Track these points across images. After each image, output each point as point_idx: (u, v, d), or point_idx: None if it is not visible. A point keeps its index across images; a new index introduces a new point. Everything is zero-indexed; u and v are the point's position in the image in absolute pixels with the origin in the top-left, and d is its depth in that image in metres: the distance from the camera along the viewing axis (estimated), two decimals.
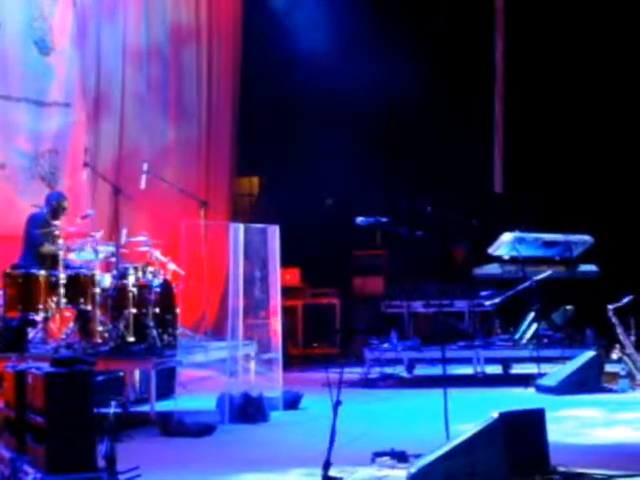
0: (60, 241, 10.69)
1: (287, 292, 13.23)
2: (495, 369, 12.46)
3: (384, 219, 11.98)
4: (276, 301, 10.71)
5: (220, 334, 11.27)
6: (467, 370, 12.27)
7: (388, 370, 12.53)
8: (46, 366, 7.08)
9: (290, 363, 12.52)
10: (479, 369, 12.10)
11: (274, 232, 10.52)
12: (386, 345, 12.43)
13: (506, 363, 12.47)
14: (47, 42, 13.51)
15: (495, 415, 6.65)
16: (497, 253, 12.81)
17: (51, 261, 10.78)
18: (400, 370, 12.51)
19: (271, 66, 15.91)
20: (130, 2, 14.79)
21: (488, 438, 6.60)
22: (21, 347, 10.14)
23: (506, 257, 12.79)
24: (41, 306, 10.37)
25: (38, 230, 10.95)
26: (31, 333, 10.48)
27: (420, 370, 12.61)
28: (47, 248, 10.89)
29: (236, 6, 16.52)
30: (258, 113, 16.12)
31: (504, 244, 12.68)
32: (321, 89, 15.66)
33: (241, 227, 10.18)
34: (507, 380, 12.09)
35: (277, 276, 10.65)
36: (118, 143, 14.56)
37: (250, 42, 16.20)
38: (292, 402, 10.41)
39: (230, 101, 16.51)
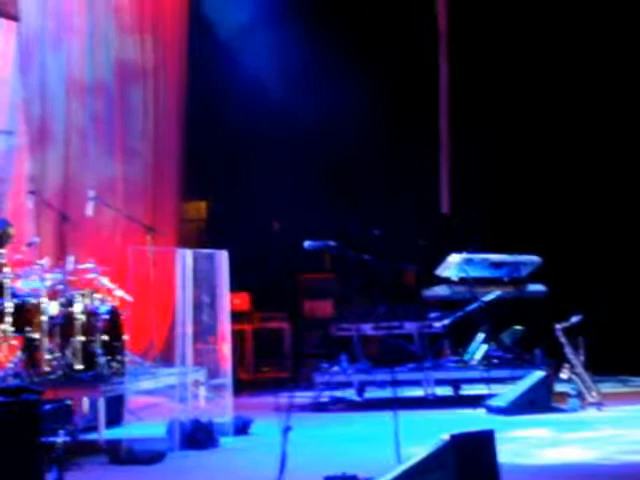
0: (6, 269, 10.58)
1: (236, 317, 13.15)
2: (445, 390, 12.47)
3: (332, 243, 11.97)
4: (225, 326, 10.68)
5: (169, 360, 11.20)
6: (417, 392, 12.28)
7: (338, 394, 12.51)
8: None
9: (240, 388, 12.45)
10: (429, 391, 12.13)
11: (222, 257, 10.50)
12: (336, 368, 12.41)
13: (456, 384, 12.48)
14: None
15: (446, 437, 6.66)
16: (445, 274, 12.87)
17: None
18: (350, 393, 12.50)
19: (218, 94, 15.89)
20: (73, 35, 14.71)
21: (439, 461, 6.60)
22: None
23: (455, 278, 12.84)
24: None
25: None
26: None
27: (370, 393, 12.60)
28: None
29: (181, 38, 16.46)
30: (206, 138, 16.09)
31: (452, 265, 12.74)
32: (267, 115, 15.65)
33: (189, 252, 10.14)
34: (457, 401, 12.11)
35: (226, 301, 10.63)
36: (63, 170, 14.45)
37: (197, 70, 16.17)
38: (242, 427, 10.36)
39: (176, 127, 16.44)
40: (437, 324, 12.76)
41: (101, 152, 15.02)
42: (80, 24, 14.79)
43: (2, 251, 10.82)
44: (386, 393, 12.11)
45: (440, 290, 12.97)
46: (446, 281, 12.92)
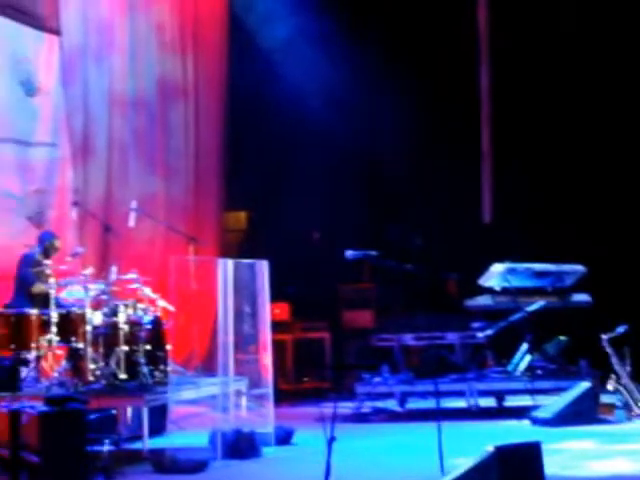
0: (51, 280, 10.68)
1: (277, 327, 13.17)
2: (489, 402, 12.38)
3: (373, 252, 11.96)
4: (266, 336, 10.69)
5: (210, 370, 11.22)
6: (460, 403, 12.22)
7: (380, 404, 12.47)
8: (40, 405, 7.07)
9: (281, 398, 12.44)
10: (472, 402, 12.04)
11: (263, 267, 10.51)
12: (378, 379, 12.36)
13: (500, 395, 12.37)
14: (32, 83, 13.54)
15: (490, 449, 6.62)
16: (488, 284, 12.80)
17: (43, 300, 10.78)
18: (392, 404, 12.46)
19: (259, 106, 15.94)
20: (115, 51, 14.83)
21: (483, 472, 6.56)
22: (14, 386, 10.10)
23: (497, 288, 12.76)
24: (33, 345, 10.39)
25: (29, 270, 10.97)
26: (24, 372, 10.44)
27: (412, 404, 12.54)
28: (39, 287, 10.91)
29: (222, 56, 16.55)
30: (247, 149, 16.16)
31: (495, 275, 12.67)
32: (308, 127, 15.69)
33: (230, 263, 10.16)
34: (501, 413, 12.01)
35: (267, 311, 10.63)
36: (106, 182, 14.54)
37: (238, 81, 16.24)
38: (284, 438, 10.36)
39: (218, 139, 16.53)
40: (480, 334, 12.69)
41: (143, 165, 15.13)
42: (122, 40, 14.91)
43: (47, 262, 10.93)
44: (428, 404, 12.05)
45: (483, 300, 12.89)
46: (489, 291, 12.86)
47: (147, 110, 15.24)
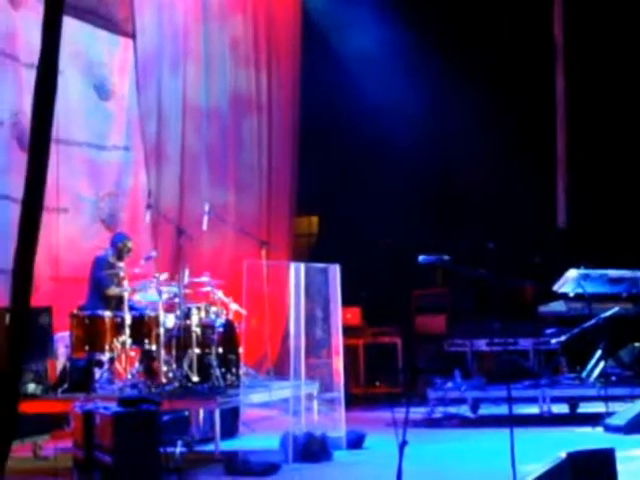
0: (125, 282, 10.78)
1: (348, 331, 13.16)
2: (562, 408, 12.25)
3: (446, 257, 11.89)
4: (338, 340, 10.67)
5: (282, 373, 11.26)
6: (533, 409, 12.09)
7: (452, 410, 12.39)
8: (113, 406, 7.13)
9: (352, 402, 12.44)
10: (545, 408, 11.92)
11: (335, 271, 10.50)
12: (450, 384, 12.30)
13: (573, 402, 12.24)
14: (107, 87, 13.69)
15: (563, 455, 6.54)
16: (562, 290, 12.65)
17: (116, 302, 10.90)
18: (464, 410, 12.37)
19: (331, 111, 15.96)
20: (190, 60, 14.96)
21: (556, 479, 6.48)
22: (88, 387, 10.23)
23: (571, 294, 12.61)
24: (107, 347, 10.51)
25: (103, 272, 11.09)
26: (97, 373, 10.57)
27: (485, 410, 12.45)
28: (113, 290, 11.04)
29: (295, 70, 16.63)
30: (319, 154, 16.19)
31: (569, 281, 12.52)
32: (379, 128, 15.68)
33: (302, 266, 10.17)
34: (574, 419, 11.87)
35: (338, 315, 10.62)
36: (178, 186, 14.68)
37: (309, 86, 16.30)
38: (355, 441, 10.33)
39: (290, 145, 16.61)
40: (553, 340, 12.57)
41: (215, 171, 15.25)
42: (196, 49, 15.05)
43: (121, 264, 11.04)
44: (500, 410, 11.96)
45: (557, 306, 12.75)
46: (563, 297, 12.72)
47: (220, 121, 15.38)
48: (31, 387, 10.06)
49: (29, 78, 11.79)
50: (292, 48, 16.58)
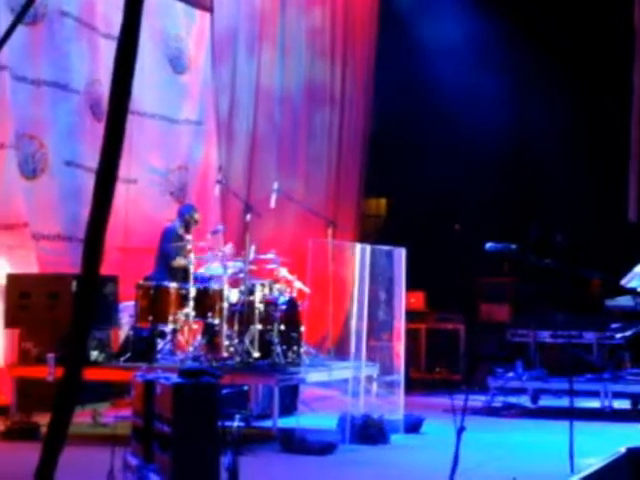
0: (191, 255, 10.84)
1: (411, 315, 13.13)
2: (623, 404, 12.12)
3: (513, 246, 11.79)
4: (400, 324, 10.64)
5: (342, 354, 11.25)
6: (594, 404, 11.98)
7: (512, 399, 12.32)
8: (174, 377, 7.17)
9: (412, 387, 12.41)
10: (607, 403, 11.80)
11: (400, 254, 10.46)
12: (511, 374, 12.22)
13: (635, 398, 12.10)
14: (182, 61, 13.76)
15: (622, 450, 6.48)
16: (630, 285, 12.48)
17: (182, 274, 10.97)
18: (524, 400, 12.29)
19: (401, 90, 15.90)
20: (266, 43, 14.99)
21: (614, 473, 6.44)
22: (150, 357, 10.32)
23: (639, 289, 12.45)
24: (171, 318, 10.57)
25: (171, 244, 11.17)
26: (160, 344, 10.66)
27: (545, 401, 12.36)
28: (179, 261, 11.11)
29: (370, 64, 16.62)
30: (390, 137, 16.15)
31: (637, 276, 12.35)
32: (452, 113, 15.59)
33: (368, 248, 10.14)
34: (636, 416, 11.74)
35: (402, 299, 10.59)
36: (248, 162, 14.74)
37: (382, 69, 16.26)
38: (413, 426, 10.32)
39: (361, 125, 16.59)
40: (618, 335, 12.42)
41: (285, 150, 15.31)
42: (272, 34, 15.08)
43: (189, 237, 11.10)
44: (561, 402, 11.87)
45: (623, 301, 12.58)
46: (631, 292, 12.55)
47: (292, 107, 15.45)
48: (94, 354, 10.16)
49: (106, 48, 11.92)
50: (368, 41, 16.58)
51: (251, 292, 10.75)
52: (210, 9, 14.13)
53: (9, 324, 10.39)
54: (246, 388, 10.38)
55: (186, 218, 11.45)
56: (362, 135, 16.62)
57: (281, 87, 15.27)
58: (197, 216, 11.56)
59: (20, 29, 11.12)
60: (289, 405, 10.87)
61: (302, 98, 15.59)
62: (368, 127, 16.61)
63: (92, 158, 11.50)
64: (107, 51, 11.95)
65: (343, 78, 16.28)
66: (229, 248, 11.15)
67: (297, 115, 15.58)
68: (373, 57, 16.60)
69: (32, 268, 11.09)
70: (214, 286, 10.83)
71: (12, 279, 10.47)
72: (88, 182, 11.11)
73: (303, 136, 15.71)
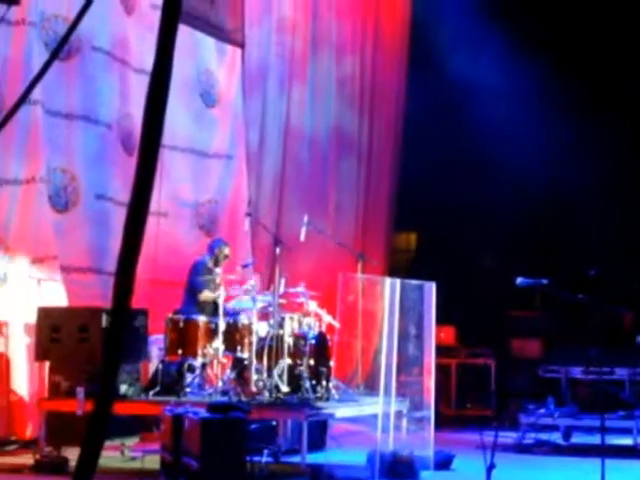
0: (221, 288, 10.83)
1: (441, 350, 13.04)
2: None
3: (544, 280, 11.70)
4: (430, 359, 10.56)
5: (372, 389, 11.18)
6: (626, 441, 11.82)
7: (543, 436, 12.19)
8: (203, 411, 7.15)
9: (442, 423, 12.29)
10: (639, 440, 11.65)
11: (430, 289, 10.41)
12: (542, 410, 12.08)
13: None
14: (213, 95, 13.83)
15: None
16: None
17: (211, 308, 10.96)
18: (556, 437, 12.16)
19: (431, 125, 15.89)
20: (296, 83, 15.07)
21: None
22: (179, 391, 10.30)
23: None
24: (200, 352, 10.55)
25: (199, 277, 11.17)
26: (189, 378, 10.63)
27: (576, 438, 12.22)
28: (206, 295, 11.10)
29: (398, 113, 16.72)
30: (416, 171, 16.12)
31: None
32: (482, 148, 15.54)
33: (398, 282, 10.09)
34: None
35: (432, 333, 10.51)
36: (278, 195, 14.76)
37: (413, 86, 16.28)
38: (443, 462, 10.21)
39: (390, 166, 16.62)
40: None
41: (315, 186, 15.32)
42: (303, 74, 15.15)
43: (218, 270, 11.09)
44: (593, 439, 11.72)
45: None
46: None
47: (321, 145, 15.50)
48: (123, 388, 10.15)
49: (137, 82, 12.00)
50: (397, 93, 16.65)
51: (280, 326, 10.73)
52: (242, 44, 14.20)
53: (39, 357, 10.40)
54: (275, 423, 10.32)
55: (216, 252, 11.46)
56: (391, 169, 16.63)
57: (311, 125, 15.33)
58: (227, 251, 11.55)
59: (54, 64, 11.22)
60: (318, 440, 10.80)
61: (330, 137, 15.66)
62: (398, 161, 16.63)
63: (123, 192, 11.57)
64: (138, 85, 12.03)
65: (370, 129, 16.38)
66: (254, 282, 11.11)
67: (325, 152, 15.62)
68: (402, 109, 16.66)
69: (62, 301, 11.13)
70: (243, 320, 10.80)
71: (43, 312, 10.48)
72: (118, 215, 11.19)
73: (332, 171, 15.74)
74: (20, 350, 10.51)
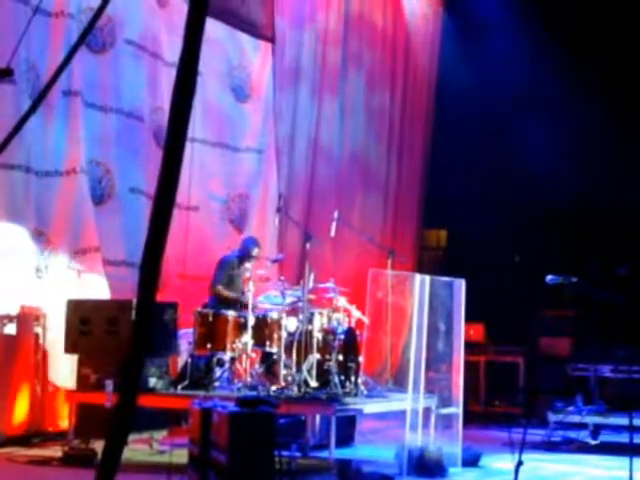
0: (250, 283, 10.82)
1: (470, 347, 13.02)
2: None
3: (574, 279, 11.65)
4: (459, 356, 10.53)
5: (401, 385, 11.17)
6: None
7: (572, 434, 12.14)
8: (231, 405, 7.16)
9: (470, 419, 12.27)
10: None
11: (460, 286, 10.39)
12: (571, 408, 12.06)
13: None
14: (244, 90, 13.85)
15: None
16: None
17: (238, 305, 10.97)
18: (584, 435, 12.11)
19: (462, 122, 15.88)
20: (326, 94, 15.13)
21: None
22: (208, 385, 10.33)
23: None
24: (229, 346, 10.57)
25: (219, 272, 11.19)
26: (218, 372, 10.65)
27: (605, 436, 12.17)
28: (220, 290, 11.10)
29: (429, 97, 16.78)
30: (448, 167, 16.11)
31: None
32: (515, 145, 15.53)
33: (427, 279, 10.08)
34: None
35: (461, 330, 10.49)
36: (308, 191, 14.77)
37: (441, 102, 16.27)
38: (471, 459, 10.19)
39: (421, 161, 16.62)
40: None
41: (345, 181, 15.34)
42: (335, 78, 15.23)
43: (248, 266, 11.09)
44: (621, 438, 11.67)
45: None
46: None
47: (352, 141, 15.55)
48: (152, 381, 10.18)
49: (169, 76, 12.05)
50: (428, 87, 16.72)
51: (310, 321, 10.73)
52: (272, 40, 14.23)
53: (69, 349, 10.45)
54: (303, 418, 10.33)
55: (245, 251, 11.41)
56: (422, 164, 16.62)
57: (342, 121, 15.38)
58: (256, 252, 11.42)
59: (89, 57, 11.33)
60: (346, 436, 10.81)
61: (361, 133, 15.69)
62: (428, 156, 16.63)
63: (154, 185, 11.58)
64: (170, 79, 12.04)
65: (402, 116, 16.41)
66: (280, 284, 11.08)
67: (355, 147, 15.64)
68: (433, 94, 16.71)
69: (102, 293, 11.17)
70: (273, 315, 10.82)
71: (72, 305, 10.52)
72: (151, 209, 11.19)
73: (362, 167, 15.74)
74: (59, 342, 10.56)
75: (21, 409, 10.39)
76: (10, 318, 10.49)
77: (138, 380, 3.97)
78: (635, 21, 15.51)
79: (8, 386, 10.31)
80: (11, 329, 10.48)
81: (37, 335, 10.69)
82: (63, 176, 11.11)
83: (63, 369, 10.76)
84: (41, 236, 10.89)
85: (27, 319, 10.59)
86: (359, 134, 15.77)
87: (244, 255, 11.35)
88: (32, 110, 6.07)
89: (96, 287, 11.20)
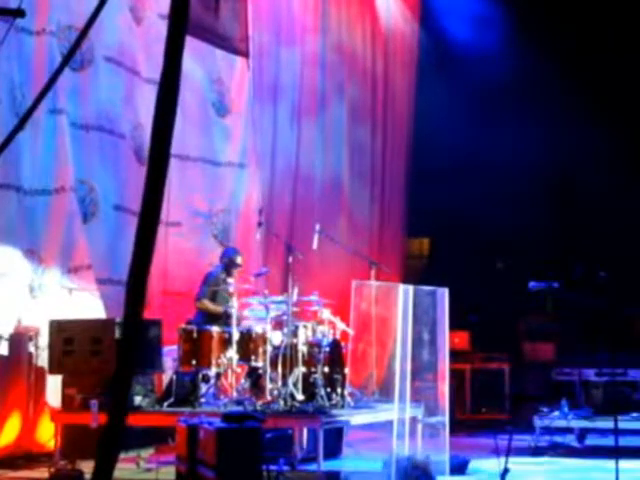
0: (234, 299, 10.84)
1: (455, 355, 13.06)
2: None
3: (556, 284, 11.73)
4: (444, 364, 10.56)
5: (387, 395, 11.18)
6: None
7: (558, 439, 12.19)
8: (217, 421, 7.18)
9: (457, 428, 12.31)
10: None
11: (443, 294, 10.42)
12: (556, 413, 12.09)
13: None
14: (224, 104, 13.87)
15: None
16: None
17: (223, 318, 10.98)
18: (570, 439, 12.16)
19: (441, 132, 15.94)
20: (306, 96, 15.19)
21: None
22: (194, 402, 10.32)
23: None
24: (214, 362, 10.57)
25: (204, 287, 11.21)
26: (203, 388, 10.65)
27: (591, 440, 12.22)
28: (204, 304, 11.11)
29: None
30: (428, 174, 16.16)
31: None
32: (495, 151, 15.58)
33: (411, 289, 10.10)
34: None
35: (446, 339, 10.51)
36: (290, 205, 14.79)
37: (421, 106, 16.33)
38: (459, 467, 10.21)
39: (403, 170, 16.67)
40: None
41: (327, 193, 15.36)
42: (312, 88, 15.27)
43: (231, 280, 11.11)
44: (607, 441, 11.71)
45: None
46: None
47: (335, 153, 15.59)
48: (137, 399, 10.17)
49: (148, 93, 12.06)
50: (408, 100, 16.83)
51: (294, 334, 10.75)
52: (246, 54, 14.26)
53: (54, 370, 10.42)
54: (290, 431, 10.34)
55: (226, 262, 11.45)
56: (404, 173, 16.67)
57: (323, 135, 15.41)
58: (239, 259, 11.54)
59: (70, 75, 11.33)
60: (334, 448, 10.81)
61: (342, 146, 15.73)
62: (409, 164, 16.67)
63: (138, 202, 11.56)
64: (150, 96, 12.05)
65: (384, 127, 16.45)
66: (263, 298, 11.11)
67: (340, 159, 15.67)
68: (413, 109, 16.77)
69: (94, 311, 11.15)
70: (257, 329, 10.83)
71: (55, 325, 10.46)
72: (135, 226, 11.17)
73: (346, 178, 15.78)
74: None
75: (10, 431, 10.33)
76: (3, 338, 10.46)
77: (126, 397, 3.98)
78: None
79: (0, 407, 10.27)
80: (3, 349, 10.44)
81: (31, 355, 10.65)
82: (53, 195, 11.11)
83: (58, 389, 10.72)
84: (34, 255, 10.89)
85: (21, 338, 10.55)
86: (342, 146, 15.82)
87: (229, 265, 11.37)
88: (18, 129, 6.08)
89: (89, 305, 11.18)
